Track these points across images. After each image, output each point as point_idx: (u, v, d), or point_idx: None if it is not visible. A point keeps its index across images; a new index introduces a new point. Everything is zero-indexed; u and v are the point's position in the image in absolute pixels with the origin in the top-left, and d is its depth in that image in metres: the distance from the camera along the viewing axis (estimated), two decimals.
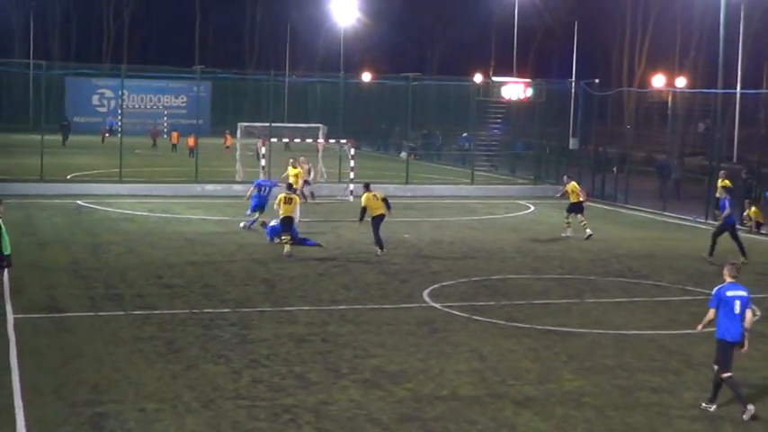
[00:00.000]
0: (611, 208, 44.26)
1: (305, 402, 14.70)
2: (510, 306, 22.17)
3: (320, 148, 50.51)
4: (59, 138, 72.79)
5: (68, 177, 47.51)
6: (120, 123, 68.16)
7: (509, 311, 21.54)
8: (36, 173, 44.95)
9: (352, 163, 44.90)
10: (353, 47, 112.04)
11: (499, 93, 53.59)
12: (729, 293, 14.70)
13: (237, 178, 47.64)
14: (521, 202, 45.39)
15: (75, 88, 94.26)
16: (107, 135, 79.99)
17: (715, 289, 14.97)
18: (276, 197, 30.27)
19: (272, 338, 18.55)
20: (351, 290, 23.59)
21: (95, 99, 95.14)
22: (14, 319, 19.45)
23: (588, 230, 33.50)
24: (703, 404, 14.98)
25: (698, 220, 39.34)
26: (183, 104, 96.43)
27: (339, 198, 44.44)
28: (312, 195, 42.51)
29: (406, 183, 49.19)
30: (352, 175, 44.52)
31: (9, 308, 20.26)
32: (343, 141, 47.95)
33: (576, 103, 59.39)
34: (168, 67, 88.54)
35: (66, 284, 23.32)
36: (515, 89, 53.56)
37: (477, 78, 71.35)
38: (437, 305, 22.01)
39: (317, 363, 16.93)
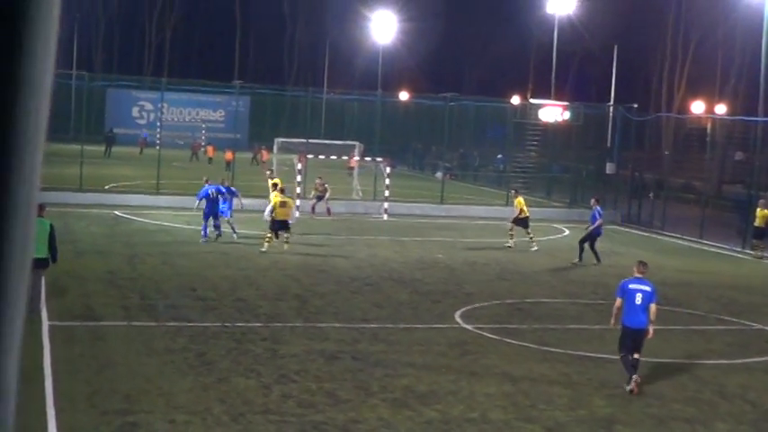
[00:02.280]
0: (648, 234, 44.00)
1: (334, 420, 14.67)
2: (543, 330, 22.05)
3: (355, 165, 50.57)
4: (102, 148, 73.24)
5: (106, 188, 47.80)
6: (158, 135, 68.52)
7: (541, 335, 21.42)
8: (75, 182, 45.24)
9: (387, 181, 44.90)
10: (392, 65, 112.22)
11: (537, 115, 53.49)
12: (632, 286, 17.43)
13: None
14: (556, 225, 45.19)
15: (115, 100, 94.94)
16: (145, 147, 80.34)
17: (620, 282, 17.80)
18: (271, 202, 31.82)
19: (303, 354, 18.54)
20: (383, 308, 23.55)
21: (135, 111, 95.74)
22: (49, 325, 19.56)
23: (535, 246, 35.16)
24: (626, 385, 17.03)
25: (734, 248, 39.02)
26: (222, 118, 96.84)
27: (374, 216, 44.43)
28: (329, 212, 42.50)
29: (441, 202, 49.14)
30: (387, 194, 44.53)
31: (45, 314, 20.37)
32: (379, 159, 47.99)
33: (613, 127, 59.15)
34: (208, 82, 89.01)
35: (102, 293, 23.44)
36: (553, 112, 53.43)
37: (515, 100, 71.24)
38: (469, 326, 21.93)
39: (347, 380, 16.89)
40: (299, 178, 43.57)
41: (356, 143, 51.88)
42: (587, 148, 56.91)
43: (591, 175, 56.46)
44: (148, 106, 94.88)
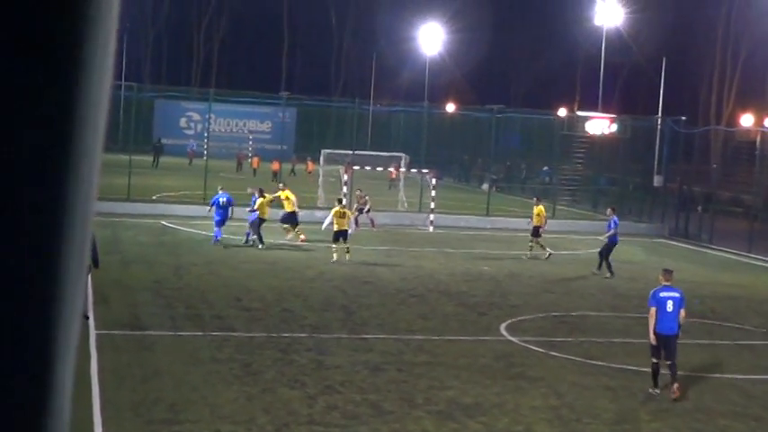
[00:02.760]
0: (695, 248, 43.63)
1: (378, 431, 14.68)
2: (588, 343, 21.94)
3: (401, 177, 50.60)
4: (150, 159, 73.80)
5: (154, 198, 48.12)
6: (205, 146, 68.83)
7: (587, 348, 21.31)
8: (123, 192, 45.56)
9: (433, 193, 44.85)
10: (438, 77, 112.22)
11: (583, 127, 53.26)
12: (663, 294, 17.99)
13: (319, 204, 47.84)
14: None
15: (163, 110, 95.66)
16: (194, 157, 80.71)
17: (651, 291, 18.25)
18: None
19: (348, 365, 18.57)
20: (428, 320, 23.54)
21: (183, 122, 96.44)
22: (97, 334, 19.73)
23: (529, 254, 35.83)
24: (650, 389, 17.75)
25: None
26: (268, 130, 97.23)
27: (420, 228, 44.39)
28: (372, 223, 42.52)
29: (487, 215, 49.02)
30: (432, 206, 44.49)
31: (92, 323, 20.56)
32: (425, 171, 47.97)
33: (661, 139, 58.75)
34: (255, 93, 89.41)
35: (149, 303, 23.62)
36: (600, 124, 53.20)
37: (562, 112, 71.00)
38: (514, 339, 21.87)
39: (392, 392, 16.90)
40: (344, 189, 43.66)
41: (402, 154, 51.92)
42: (634, 160, 56.57)
43: (638, 188, 56.10)
44: (196, 117, 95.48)
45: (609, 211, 35.80)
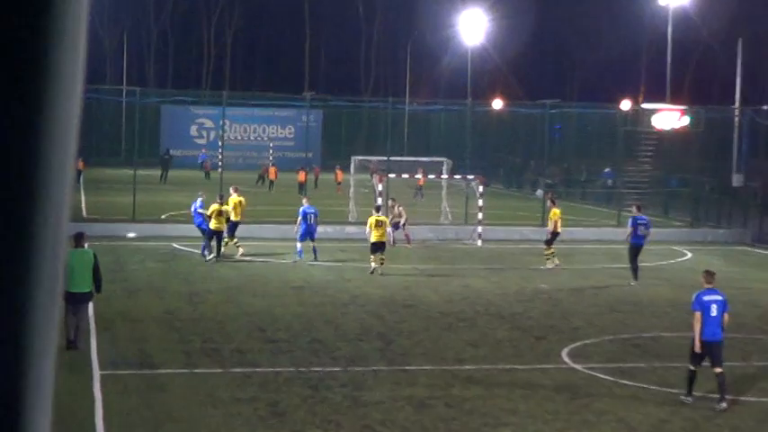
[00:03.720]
0: None
1: None
2: (663, 369, 21.76)
3: (444, 184, 50.54)
4: (157, 173, 74.08)
5: (163, 217, 48.30)
6: (219, 156, 68.98)
7: (662, 375, 21.14)
8: (128, 212, 45.75)
9: (480, 202, 44.75)
10: (482, 70, 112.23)
11: (650, 122, 53.03)
12: (706, 298, 18.75)
13: (351, 219, 47.83)
14: (675, 247, 44.66)
15: (171, 117, 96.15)
16: (209, 170, 79.90)
17: (694, 294, 19.01)
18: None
19: (389, 402, 18.50)
20: (479, 347, 23.45)
21: (194, 129, 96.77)
22: (101, 375, 19.76)
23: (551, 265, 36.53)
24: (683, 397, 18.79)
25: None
26: (291, 135, 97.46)
27: (466, 242, 44.31)
28: (408, 240, 42.40)
29: (542, 225, 48.82)
30: (480, 216, 44.39)
31: (95, 363, 20.59)
32: (471, 177, 47.88)
33: (740, 133, 58.42)
34: (274, 94, 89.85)
35: (159, 337, 23.66)
36: (669, 117, 52.94)
37: (625, 105, 70.79)
38: (578, 366, 21.73)
39: (440, 431, 16.81)
40: (379, 201, 43.61)
41: (444, 159, 51.85)
42: (710, 157, 56.26)
43: (715, 189, 55.76)
44: (208, 123, 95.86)
45: (633, 209, 36.21)
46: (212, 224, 36.19)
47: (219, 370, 20.63)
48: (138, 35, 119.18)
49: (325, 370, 20.84)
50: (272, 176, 73.34)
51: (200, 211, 37.36)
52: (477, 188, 45.80)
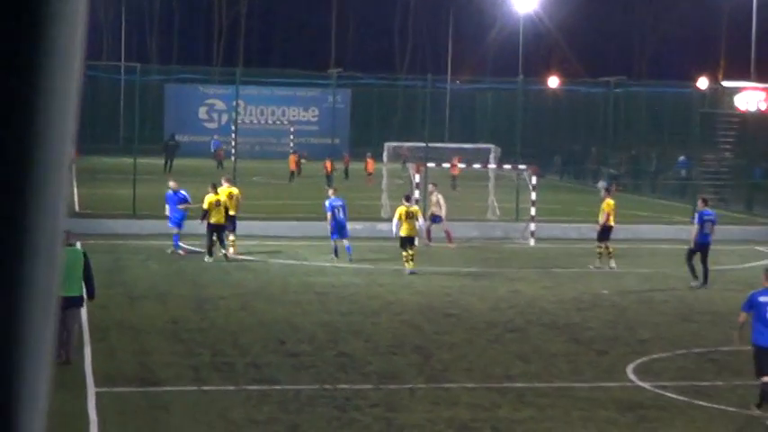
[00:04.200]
0: None
1: None
2: (744, 388, 21.71)
3: (491, 175, 50.53)
4: (161, 162, 74.23)
5: (167, 213, 48.40)
6: (232, 143, 68.97)
7: (743, 395, 21.10)
8: (128, 206, 45.90)
9: (533, 195, 44.69)
10: (536, 43, 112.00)
11: (732, 102, 52.85)
12: (762, 299, 19.04)
13: (383, 214, 47.82)
14: (760, 248, 44.50)
15: (177, 98, 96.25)
16: (223, 158, 79.55)
17: (749, 293, 19.59)
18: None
19: (427, 424, 18.57)
20: (530, 362, 23.47)
21: (203, 112, 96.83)
22: (97, 393, 19.88)
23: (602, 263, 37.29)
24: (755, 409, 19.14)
25: None
26: (315, 119, 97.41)
27: (517, 241, 44.29)
28: (449, 238, 42.36)
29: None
30: (533, 212, 44.33)
31: (90, 379, 20.73)
32: (522, 167, 47.81)
33: None
34: (296, 71, 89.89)
35: (163, 350, 23.78)
36: (753, 97, 52.78)
37: (703, 83, 70.56)
38: (646, 385, 21.73)
39: None
40: (416, 194, 43.63)
41: (491, 146, 51.82)
42: None
43: None
44: (220, 105, 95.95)
45: (699, 203, 36.65)
46: (212, 218, 36.76)
47: (232, 387, 20.72)
48: (139, 3, 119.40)
49: (353, 388, 20.90)
50: (292, 166, 73.02)
51: (181, 207, 38.49)
52: (530, 179, 45.69)
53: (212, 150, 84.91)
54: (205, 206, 37.08)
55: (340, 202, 37.98)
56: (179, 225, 38.87)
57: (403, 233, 34.89)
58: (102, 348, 23.19)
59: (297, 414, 19.00)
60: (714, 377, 22.64)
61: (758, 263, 40.62)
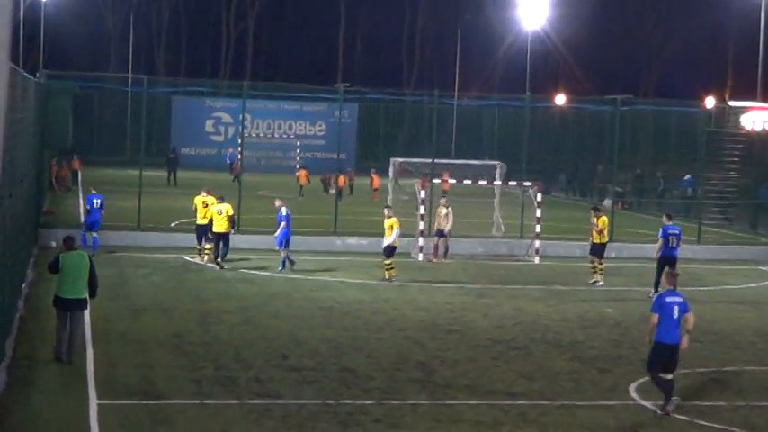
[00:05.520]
0: None
1: None
2: (748, 408, 21.71)
3: (496, 192, 50.52)
4: (164, 174, 74.15)
5: (172, 225, 48.45)
6: (238, 156, 68.89)
7: (747, 416, 21.09)
8: (132, 219, 45.91)
9: (538, 212, 44.65)
10: (543, 61, 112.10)
11: (738, 121, 52.86)
12: (669, 299, 20.65)
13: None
14: (764, 268, 44.49)
15: (184, 111, 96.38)
16: (239, 172, 78.54)
17: (655, 296, 21.80)
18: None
19: None
20: (534, 380, 23.46)
21: (209, 125, 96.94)
22: (99, 406, 19.87)
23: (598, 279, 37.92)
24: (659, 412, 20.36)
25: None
26: (321, 133, 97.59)
27: (521, 259, 44.28)
28: (445, 253, 42.46)
29: (610, 240, 48.68)
30: (538, 229, 44.32)
31: (92, 392, 20.72)
32: (527, 184, 47.77)
33: None
34: (303, 86, 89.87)
35: (166, 363, 23.77)
36: (760, 117, 52.75)
37: (709, 103, 70.60)
38: (648, 404, 21.69)
39: None
40: (422, 210, 43.64)
41: (497, 163, 51.79)
42: None
43: None
44: (226, 118, 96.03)
45: (664, 218, 37.11)
46: (214, 227, 38.04)
47: (235, 401, 20.71)
48: (147, 15, 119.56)
49: (356, 403, 20.89)
50: (302, 181, 72.57)
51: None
52: (535, 196, 45.64)
53: (228, 163, 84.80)
54: (208, 216, 38.36)
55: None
56: (281, 244, 38.51)
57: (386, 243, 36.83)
58: (104, 360, 23.19)
59: (299, 429, 18.99)
60: (716, 397, 22.60)
61: (762, 283, 40.64)
